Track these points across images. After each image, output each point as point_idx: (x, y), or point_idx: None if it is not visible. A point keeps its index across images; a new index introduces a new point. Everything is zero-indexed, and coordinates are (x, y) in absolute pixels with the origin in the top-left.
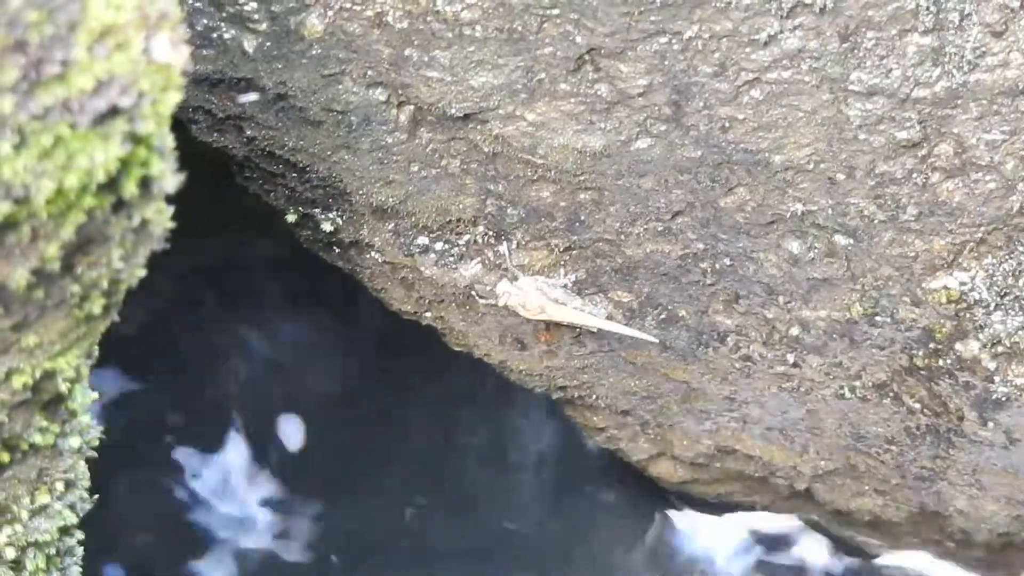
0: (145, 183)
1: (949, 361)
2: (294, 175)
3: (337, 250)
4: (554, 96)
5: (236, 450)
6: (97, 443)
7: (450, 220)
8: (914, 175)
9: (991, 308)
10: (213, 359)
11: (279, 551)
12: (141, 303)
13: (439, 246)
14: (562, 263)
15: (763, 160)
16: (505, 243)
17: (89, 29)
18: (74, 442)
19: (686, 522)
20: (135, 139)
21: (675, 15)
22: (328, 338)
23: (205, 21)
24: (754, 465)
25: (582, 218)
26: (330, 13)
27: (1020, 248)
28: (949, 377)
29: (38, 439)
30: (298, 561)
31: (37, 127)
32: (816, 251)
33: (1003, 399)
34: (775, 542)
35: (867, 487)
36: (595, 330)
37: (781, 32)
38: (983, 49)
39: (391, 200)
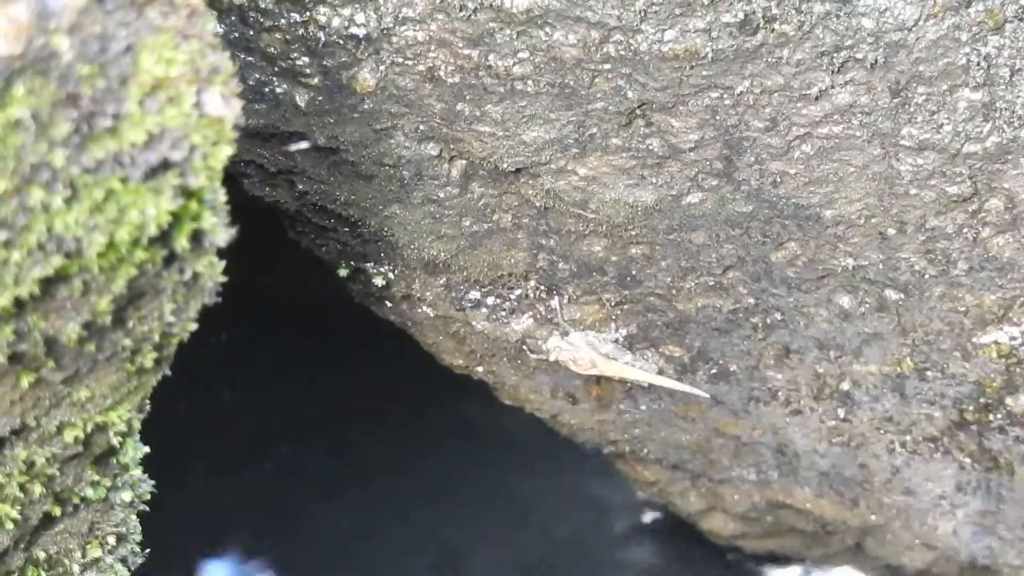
0: (197, 237)
1: (1000, 416)
2: (346, 229)
3: (389, 304)
4: (605, 151)
5: None
6: (148, 497)
7: (502, 274)
8: (964, 230)
9: None
10: None
11: None
12: None
13: (491, 300)
14: (613, 318)
15: (814, 215)
16: (556, 298)
17: (141, 83)
18: (126, 496)
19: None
20: (187, 193)
21: (726, 70)
22: None
23: (257, 75)
24: (805, 519)
25: (633, 273)
26: (382, 68)
27: None
28: (1000, 432)
29: (90, 493)
30: None
31: (89, 180)
32: (867, 306)
33: None
34: None
35: (918, 542)
36: (646, 385)
37: (832, 87)
38: None
39: (443, 254)
